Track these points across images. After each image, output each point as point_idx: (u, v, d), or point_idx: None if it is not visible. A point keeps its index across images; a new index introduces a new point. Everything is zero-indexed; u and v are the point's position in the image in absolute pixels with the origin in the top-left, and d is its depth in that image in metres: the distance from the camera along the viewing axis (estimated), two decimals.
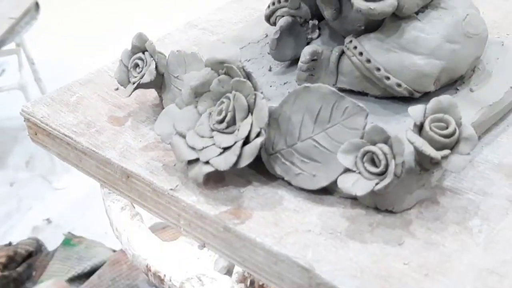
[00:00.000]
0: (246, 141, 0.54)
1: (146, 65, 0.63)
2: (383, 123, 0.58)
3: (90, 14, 2.27)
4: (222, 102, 0.56)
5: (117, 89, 0.70)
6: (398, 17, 0.58)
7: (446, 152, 0.49)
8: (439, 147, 0.50)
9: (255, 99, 0.54)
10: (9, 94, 1.86)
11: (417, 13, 0.58)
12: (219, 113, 0.56)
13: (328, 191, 0.54)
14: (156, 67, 0.63)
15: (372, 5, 0.56)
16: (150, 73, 0.63)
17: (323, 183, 0.54)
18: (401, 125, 0.57)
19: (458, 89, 0.61)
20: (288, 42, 0.65)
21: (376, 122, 0.57)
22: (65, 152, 0.66)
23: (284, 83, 0.65)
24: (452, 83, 0.61)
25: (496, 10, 0.78)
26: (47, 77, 1.91)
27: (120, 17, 2.19)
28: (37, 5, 1.69)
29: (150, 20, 2.04)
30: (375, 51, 0.58)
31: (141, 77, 0.63)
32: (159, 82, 0.64)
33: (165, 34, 0.80)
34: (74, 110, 0.68)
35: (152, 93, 0.68)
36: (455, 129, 0.50)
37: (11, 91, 1.82)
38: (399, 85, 0.58)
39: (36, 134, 0.68)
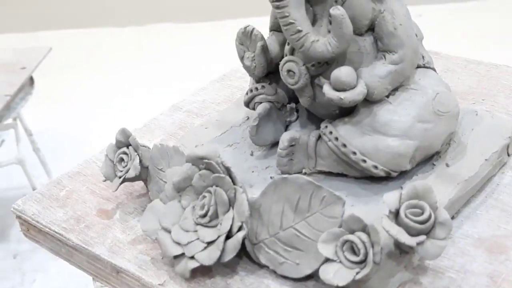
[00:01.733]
0: (229, 235, 0.55)
1: (130, 160, 0.65)
2: (363, 205, 0.60)
3: (82, 85, 2.31)
4: (204, 197, 0.58)
5: (105, 180, 0.72)
6: (370, 101, 0.60)
7: (421, 238, 0.51)
8: (414, 233, 0.51)
9: (235, 193, 0.56)
10: (8, 167, 1.88)
11: (388, 95, 0.60)
12: (202, 207, 0.57)
13: (313, 277, 0.55)
14: (140, 161, 0.65)
15: (342, 95, 0.58)
16: (134, 168, 0.64)
17: (307, 271, 0.55)
18: (380, 206, 0.58)
19: (434, 164, 0.63)
20: (268, 127, 0.67)
21: (356, 204, 0.59)
22: (57, 247, 0.67)
23: (266, 168, 0.66)
24: (429, 158, 0.63)
25: (471, 75, 0.81)
26: (46, 147, 1.93)
27: (111, 90, 2.22)
28: (31, 80, 1.72)
29: (139, 95, 2.08)
30: (350, 135, 0.60)
31: (126, 172, 0.65)
32: (145, 175, 0.66)
33: (151, 119, 0.82)
34: (63, 205, 0.69)
35: (139, 183, 0.69)
36: (430, 215, 0.51)
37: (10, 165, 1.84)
38: (375, 167, 0.59)
39: (28, 230, 0.70)
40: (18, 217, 0.70)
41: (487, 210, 0.61)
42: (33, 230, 0.69)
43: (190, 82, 1.18)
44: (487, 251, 0.56)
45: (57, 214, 0.68)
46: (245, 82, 0.86)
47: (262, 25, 0.71)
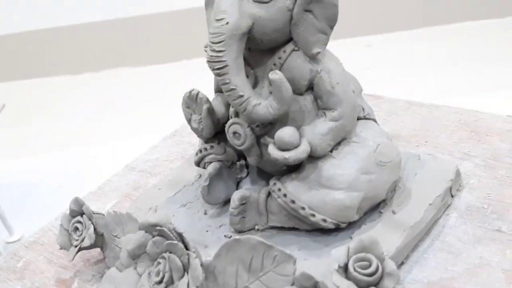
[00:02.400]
0: None
1: (85, 229, 0.66)
2: (315, 258, 0.61)
3: (37, 139, 2.31)
4: (159, 263, 0.59)
5: (61, 248, 0.72)
6: (314, 157, 0.62)
7: None
8: (364, 286, 0.53)
9: (188, 259, 0.57)
10: None
11: (331, 150, 0.63)
12: (157, 274, 0.58)
13: None
14: (95, 229, 0.66)
15: (287, 154, 0.60)
16: (89, 237, 0.65)
17: None
18: (331, 258, 0.60)
19: (381, 212, 0.65)
20: (219, 185, 0.68)
21: (309, 258, 0.61)
22: None
23: (220, 226, 0.68)
24: (375, 206, 0.65)
25: (414, 118, 0.84)
26: (4, 201, 1.91)
27: (67, 142, 2.22)
28: None
29: (96, 145, 2.08)
30: (298, 191, 0.62)
31: (82, 241, 0.66)
32: (100, 242, 0.67)
33: (105, 181, 0.83)
34: (21, 278, 0.69)
35: (96, 249, 0.70)
36: (378, 267, 0.53)
37: None
38: (324, 221, 0.61)
39: None
40: None
41: (434, 253, 0.63)
42: None
43: (143, 135, 1.19)
44: None
45: (15, 287, 0.68)
46: (196, 138, 0.88)
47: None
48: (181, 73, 2.35)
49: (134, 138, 1.81)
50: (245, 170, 0.70)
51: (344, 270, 0.54)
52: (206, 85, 0.75)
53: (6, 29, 2.54)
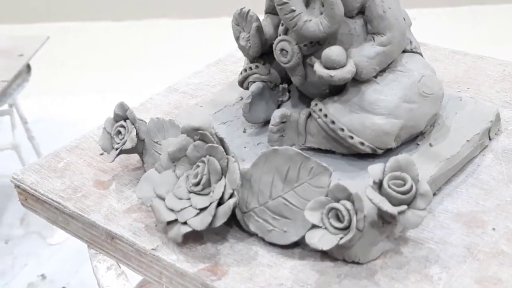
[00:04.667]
0: (221, 202, 0.58)
1: (127, 132, 0.68)
2: (349, 179, 0.62)
3: (79, 75, 2.34)
4: (198, 166, 0.60)
5: (102, 154, 0.74)
6: (358, 81, 0.63)
7: (403, 207, 0.54)
8: (396, 203, 0.54)
9: (227, 163, 0.59)
10: (2, 153, 1.91)
11: (375, 76, 0.63)
12: (195, 176, 0.60)
13: (300, 245, 0.58)
14: (137, 134, 0.67)
15: (332, 72, 0.60)
16: (131, 140, 0.67)
17: (294, 238, 0.58)
18: (365, 180, 0.61)
19: (418, 144, 0.66)
20: (260, 105, 0.70)
21: (343, 179, 0.62)
22: (54, 216, 0.70)
23: (258, 144, 0.69)
24: (413, 138, 0.66)
25: (457, 66, 0.84)
26: (40, 136, 1.95)
27: (107, 78, 2.25)
28: (28, 67, 1.74)
29: (136, 82, 2.10)
30: (339, 113, 0.63)
31: (123, 144, 0.68)
32: (141, 148, 0.68)
33: (148, 99, 0.85)
34: (61, 176, 0.72)
35: (134, 156, 0.72)
36: (412, 186, 0.54)
37: (5, 151, 1.86)
38: (362, 144, 0.62)
39: (26, 200, 0.72)
40: (17, 186, 0.72)
41: (467, 189, 0.64)
42: (31, 199, 0.72)
43: (186, 67, 1.20)
44: (465, 225, 0.59)
45: (55, 184, 0.71)
46: (239, 66, 0.89)
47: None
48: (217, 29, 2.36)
49: (176, 69, 1.81)
50: (287, 93, 0.71)
51: (379, 186, 0.55)
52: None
53: None
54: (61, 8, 2.66)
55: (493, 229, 0.58)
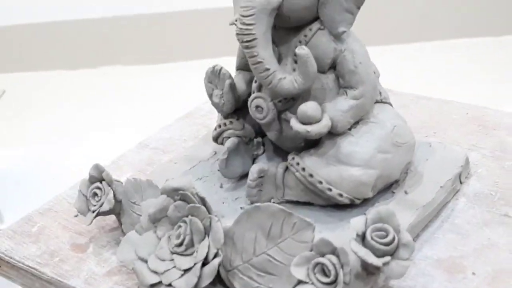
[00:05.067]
0: (205, 262, 0.58)
1: (104, 194, 0.67)
2: (330, 231, 0.63)
3: (38, 129, 2.30)
4: (180, 226, 0.60)
5: (76, 215, 0.73)
6: (333, 134, 0.64)
7: (387, 259, 0.54)
8: (380, 254, 0.55)
9: (210, 222, 0.59)
10: None
11: (350, 128, 0.65)
12: (178, 236, 0.60)
13: None
14: (114, 195, 0.67)
15: (309, 128, 0.62)
16: (109, 202, 0.66)
17: None
18: (345, 232, 0.62)
19: (394, 192, 0.67)
20: (236, 160, 0.70)
21: (323, 231, 0.63)
22: (30, 282, 0.68)
23: (236, 199, 0.69)
24: (389, 186, 0.67)
25: (423, 111, 0.86)
26: None
27: (68, 132, 2.22)
28: None
29: (103, 137, 2.08)
30: (316, 166, 0.64)
31: (100, 206, 0.67)
32: (118, 209, 0.68)
33: (119, 156, 0.85)
34: (36, 241, 0.71)
35: (111, 217, 0.71)
36: (394, 237, 0.55)
37: None
38: (340, 195, 0.63)
39: (0, 267, 0.71)
40: None
41: (444, 234, 0.65)
42: (5, 266, 0.70)
43: (152, 122, 1.20)
44: (446, 271, 0.60)
45: (30, 249, 0.69)
46: (209, 119, 0.90)
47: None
48: (185, 74, 2.36)
49: (142, 124, 1.79)
50: (262, 147, 0.72)
51: (362, 238, 0.56)
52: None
53: (7, 20, 2.55)
54: (14, 60, 2.63)
55: (473, 273, 0.60)
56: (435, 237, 0.65)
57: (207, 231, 0.59)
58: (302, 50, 0.61)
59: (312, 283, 0.55)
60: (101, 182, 0.69)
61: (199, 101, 0.94)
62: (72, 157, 1.83)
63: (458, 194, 0.70)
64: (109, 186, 0.68)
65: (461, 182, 0.71)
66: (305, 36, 0.64)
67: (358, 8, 0.63)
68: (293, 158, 0.65)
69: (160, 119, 0.99)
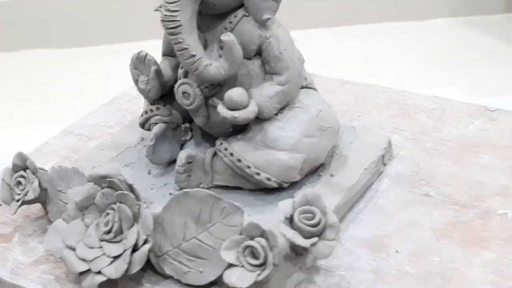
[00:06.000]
0: (135, 248, 0.58)
1: (29, 183, 0.66)
2: (259, 214, 0.64)
3: None
4: (108, 214, 0.60)
5: (0, 205, 0.72)
6: (260, 119, 0.65)
7: (314, 239, 0.56)
8: (308, 235, 0.56)
9: (139, 209, 0.59)
10: None
11: (276, 114, 0.66)
12: (106, 224, 0.60)
13: (216, 283, 0.59)
14: (39, 184, 0.66)
15: (236, 113, 0.62)
16: (33, 190, 0.65)
17: (211, 277, 0.58)
18: (274, 214, 0.63)
19: (320, 175, 0.69)
20: (164, 146, 0.70)
21: (253, 214, 0.64)
22: None
23: (164, 185, 0.69)
24: (315, 170, 0.69)
25: (347, 95, 0.88)
26: None
27: None
28: None
29: (24, 125, 2.02)
30: (244, 151, 0.64)
31: (25, 195, 0.66)
32: (44, 197, 0.67)
33: (43, 143, 0.83)
34: None
35: (36, 206, 0.70)
36: (321, 219, 0.57)
37: None
38: (268, 179, 0.64)
39: None
40: None
41: (368, 214, 0.67)
42: None
43: (76, 109, 1.17)
44: (370, 250, 0.63)
45: None
46: (135, 105, 0.89)
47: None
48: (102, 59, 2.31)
49: (66, 110, 1.74)
50: (189, 133, 0.72)
51: (290, 221, 0.57)
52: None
53: None
54: None
55: (396, 251, 0.62)
56: (360, 217, 0.67)
57: (135, 218, 0.59)
58: (227, 37, 0.61)
59: (242, 266, 0.56)
60: (25, 171, 0.67)
61: (125, 86, 0.93)
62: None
63: (381, 175, 0.72)
64: (34, 174, 0.66)
65: (384, 164, 0.73)
66: (230, 22, 0.64)
67: None
68: (221, 144, 0.66)
69: (85, 105, 0.97)
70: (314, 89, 0.71)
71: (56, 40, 2.45)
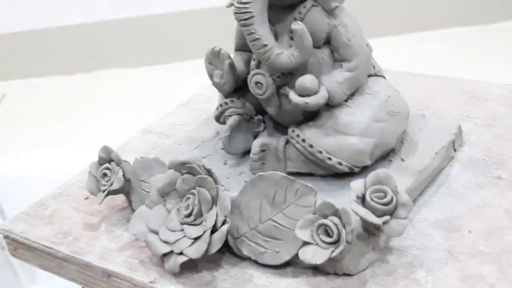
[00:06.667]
0: (214, 229, 0.61)
1: (113, 174, 0.70)
2: (331, 198, 0.66)
3: (39, 131, 2.33)
4: (188, 198, 0.63)
5: (87, 198, 0.76)
6: (331, 106, 0.67)
7: (386, 218, 0.57)
8: (380, 214, 0.58)
9: (217, 192, 0.62)
10: None
11: (346, 100, 0.68)
12: (186, 208, 0.63)
13: (292, 263, 0.61)
14: (123, 174, 0.70)
15: (307, 99, 0.65)
16: (118, 180, 0.69)
17: (286, 257, 0.61)
18: (346, 198, 0.64)
19: (391, 160, 0.70)
20: (238, 137, 0.73)
21: (325, 198, 0.65)
22: (46, 262, 0.71)
23: (240, 174, 0.72)
24: (385, 155, 0.70)
25: (416, 86, 0.89)
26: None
27: (77, 125, 2.25)
28: None
29: (107, 128, 2.11)
30: (315, 136, 0.67)
31: (111, 185, 0.70)
32: (127, 188, 0.71)
33: (124, 142, 0.88)
34: (50, 223, 0.73)
35: (120, 197, 0.74)
36: (392, 197, 0.58)
37: None
38: (340, 164, 0.66)
39: (16, 249, 0.73)
40: (6, 236, 0.73)
41: (440, 197, 0.68)
42: (21, 248, 0.73)
43: (154, 112, 1.22)
44: (443, 230, 0.63)
45: (45, 231, 0.72)
46: (209, 104, 0.93)
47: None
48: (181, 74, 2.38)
49: (143, 115, 1.82)
50: (262, 124, 0.75)
51: (362, 200, 0.59)
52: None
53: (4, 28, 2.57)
54: (12, 66, 2.65)
55: (469, 231, 0.63)
56: (432, 200, 0.68)
57: (214, 201, 0.62)
58: (297, 25, 0.64)
59: (317, 244, 0.58)
60: (110, 163, 0.71)
61: (198, 88, 0.97)
62: (76, 150, 1.86)
63: (452, 161, 0.73)
64: (118, 165, 0.71)
65: (455, 150, 0.74)
66: (300, 13, 0.66)
67: None
68: (293, 131, 0.68)
69: (162, 108, 1.02)
70: (383, 76, 0.73)
71: (130, 60, 2.55)
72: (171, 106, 0.96)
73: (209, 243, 0.60)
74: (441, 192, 0.69)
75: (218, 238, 0.60)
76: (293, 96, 0.66)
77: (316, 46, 0.67)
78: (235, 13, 0.64)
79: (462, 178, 0.70)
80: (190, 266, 0.63)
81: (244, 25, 0.64)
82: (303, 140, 0.67)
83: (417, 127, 0.74)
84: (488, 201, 0.66)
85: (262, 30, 0.64)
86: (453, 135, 0.73)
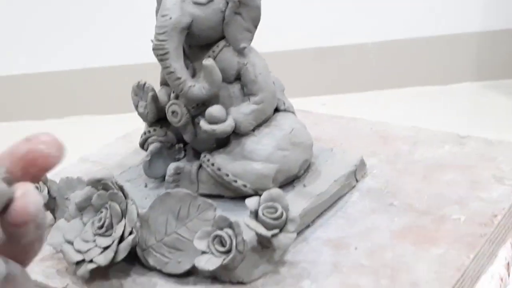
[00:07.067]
0: (121, 239, 0.67)
1: (40, 191, 0.76)
2: (234, 216, 0.72)
3: None
4: (101, 212, 0.69)
5: None
6: (239, 135, 0.74)
7: (275, 231, 0.64)
8: (270, 227, 0.64)
9: (126, 205, 0.68)
10: None
11: (254, 130, 0.75)
12: (99, 220, 0.69)
13: (194, 273, 0.67)
14: (49, 192, 0.76)
15: (215, 127, 0.72)
16: (43, 197, 0.75)
17: (187, 266, 0.67)
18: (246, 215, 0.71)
19: (294, 186, 0.77)
20: (159, 162, 0.80)
21: (230, 217, 0.72)
22: None
23: (157, 195, 0.78)
24: (290, 181, 0.77)
25: (334, 127, 0.97)
26: None
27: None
28: None
29: None
30: (224, 161, 0.74)
31: None
32: (52, 205, 0.77)
33: (61, 169, 0.94)
34: None
35: (47, 215, 0.80)
36: (282, 213, 0.65)
37: None
38: (244, 186, 0.73)
39: None
40: None
41: (336, 220, 0.75)
42: None
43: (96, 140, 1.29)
44: (333, 247, 0.70)
45: None
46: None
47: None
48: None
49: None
50: (183, 152, 0.82)
51: (255, 215, 0.66)
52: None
53: None
54: None
55: (356, 248, 0.69)
56: (328, 222, 0.75)
57: (123, 214, 0.68)
58: (207, 61, 0.71)
59: (212, 253, 0.64)
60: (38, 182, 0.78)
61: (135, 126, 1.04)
62: None
63: (353, 189, 0.80)
64: (44, 184, 0.77)
65: (357, 180, 0.81)
66: (213, 51, 0.75)
67: (255, 27, 0.74)
68: (205, 156, 0.75)
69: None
70: (292, 112, 0.80)
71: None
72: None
73: (116, 252, 0.66)
74: (337, 215, 0.76)
75: (124, 247, 0.66)
76: (203, 124, 0.73)
77: (228, 81, 0.75)
78: (153, 49, 0.72)
79: (359, 204, 0.77)
80: (102, 275, 0.69)
81: (161, 60, 0.72)
82: (213, 164, 0.74)
83: (323, 159, 0.82)
84: (377, 224, 0.73)
85: (176, 64, 0.72)
86: (354, 166, 0.80)
